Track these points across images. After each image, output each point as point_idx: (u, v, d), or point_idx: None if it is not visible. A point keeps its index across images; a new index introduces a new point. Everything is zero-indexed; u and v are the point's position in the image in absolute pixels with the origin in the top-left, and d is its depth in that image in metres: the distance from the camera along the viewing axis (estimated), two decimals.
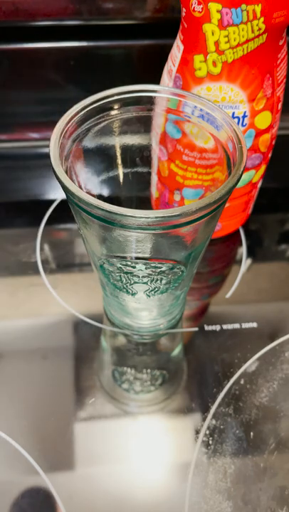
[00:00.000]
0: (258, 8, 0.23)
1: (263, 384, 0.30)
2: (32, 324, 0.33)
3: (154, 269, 0.24)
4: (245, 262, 0.37)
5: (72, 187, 0.20)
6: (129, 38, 0.41)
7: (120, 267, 0.24)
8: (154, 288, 0.26)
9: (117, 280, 0.26)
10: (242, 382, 0.30)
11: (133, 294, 0.27)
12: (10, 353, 0.31)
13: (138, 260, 0.24)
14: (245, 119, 0.29)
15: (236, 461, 0.27)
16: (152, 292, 0.26)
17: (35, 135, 0.46)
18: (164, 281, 0.25)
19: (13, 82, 0.42)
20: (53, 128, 0.22)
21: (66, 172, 0.21)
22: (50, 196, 0.41)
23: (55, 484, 0.26)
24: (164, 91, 0.25)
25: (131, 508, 0.25)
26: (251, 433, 0.28)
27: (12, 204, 0.41)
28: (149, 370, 0.31)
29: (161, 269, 0.24)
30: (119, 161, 0.28)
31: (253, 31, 0.24)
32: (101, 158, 0.27)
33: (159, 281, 0.25)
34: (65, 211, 0.38)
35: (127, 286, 0.26)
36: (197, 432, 0.28)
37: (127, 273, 0.25)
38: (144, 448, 0.27)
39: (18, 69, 0.41)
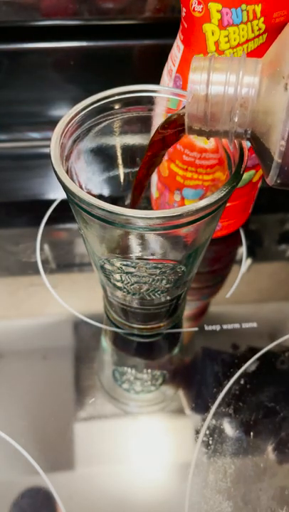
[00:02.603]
0: (258, 8, 0.23)
1: (262, 384, 0.30)
2: (32, 324, 0.33)
3: (154, 269, 0.24)
4: (245, 262, 0.37)
5: (73, 187, 0.20)
6: (129, 38, 0.41)
7: (121, 267, 0.24)
8: (155, 288, 0.26)
9: (118, 280, 0.26)
10: (242, 382, 0.30)
11: (134, 294, 0.27)
12: (10, 353, 0.31)
13: (138, 260, 0.24)
14: None
15: (236, 461, 0.27)
16: (153, 292, 0.26)
17: (35, 135, 0.46)
18: (164, 282, 0.25)
19: (13, 82, 0.42)
20: (53, 128, 0.22)
21: (67, 172, 0.21)
22: (50, 196, 0.41)
23: (55, 484, 0.26)
24: (164, 91, 0.25)
25: (131, 508, 0.25)
26: (251, 433, 0.28)
27: (12, 204, 0.41)
28: (149, 370, 0.31)
29: (162, 269, 0.24)
30: (119, 161, 0.28)
31: (253, 31, 0.24)
32: (101, 158, 0.27)
33: (159, 282, 0.25)
34: (65, 211, 0.38)
35: (127, 286, 0.26)
36: (197, 432, 0.28)
37: (127, 273, 0.25)
38: (144, 448, 0.27)
39: (18, 69, 0.41)
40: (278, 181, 0.18)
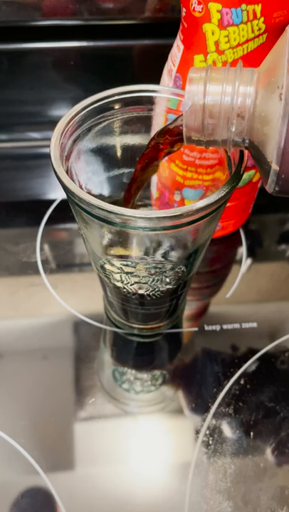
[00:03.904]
0: (258, 8, 0.23)
1: (263, 384, 0.30)
2: (32, 324, 0.33)
3: (154, 270, 0.24)
4: (245, 262, 0.37)
5: (73, 187, 0.20)
6: (129, 38, 0.41)
7: (121, 267, 0.24)
8: (155, 288, 0.26)
9: (118, 280, 0.26)
10: (242, 382, 0.30)
11: (134, 294, 0.27)
12: (10, 353, 0.31)
13: (138, 260, 0.24)
14: None
15: (236, 461, 0.27)
16: (153, 292, 0.26)
17: (35, 135, 0.46)
18: (164, 282, 0.25)
19: (13, 82, 0.42)
20: (53, 128, 0.22)
21: (67, 172, 0.21)
22: (50, 196, 0.41)
23: (55, 484, 0.26)
24: (164, 91, 0.25)
25: (131, 508, 0.25)
26: (251, 433, 0.28)
27: (12, 204, 0.41)
28: (149, 370, 0.31)
29: (162, 269, 0.24)
30: (119, 160, 0.28)
31: (253, 31, 0.24)
32: (101, 158, 0.27)
33: (159, 282, 0.25)
34: (65, 211, 0.38)
35: (127, 286, 0.26)
36: (197, 432, 0.28)
37: (127, 273, 0.25)
38: (144, 448, 0.27)
39: (18, 69, 0.41)
40: (277, 189, 0.18)
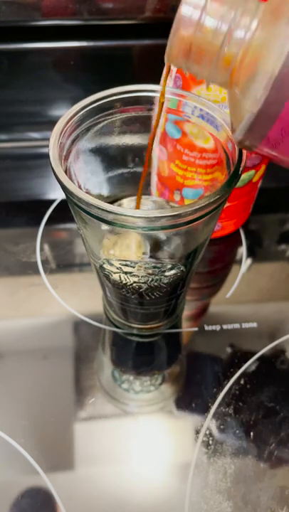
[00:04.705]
0: None
1: (262, 384, 0.30)
2: (32, 324, 0.33)
3: (153, 269, 0.24)
4: (245, 262, 0.37)
5: (72, 187, 0.20)
6: (129, 38, 0.41)
7: (120, 267, 0.24)
8: (154, 288, 0.26)
9: (117, 280, 0.26)
10: (242, 382, 0.30)
11: (133, 294, 0.27)
12: (10, 353, 0.31)
13: (137, 260, 0.24)
14: None
15: (236, 461, 0.27)
16: (152, 292, 0.26)
17: (35, 135, 0.46)
18: (163, 281, 0.25)
19: (13, 82, 0.42)
20: (52, 128, 0.22)
21: (66, 172, 0.21)
22: (50, 196, 0.41)
23: (55, 484, 0.26)
24: None
25: (131, 508, 0.25)
26: (251, 433, 0.28)
27: (12, 204, 0.41)
28: (148, 370, 0.31)
29: (161, 268, 0.24)
30: (118, 160, 0.28)
31: None
32: (100, 158, 0.27)
33: (158, 281, 0.25)
34: (65, 211, 0.38)
35: (126, 286, 0.26)
36: (197, 432, 0.28)
37: (126, 273, 0.25)
38: (144, 448, 0.27)
39: (18, 69, 0.42)
40: (245, 139, 0.17)
